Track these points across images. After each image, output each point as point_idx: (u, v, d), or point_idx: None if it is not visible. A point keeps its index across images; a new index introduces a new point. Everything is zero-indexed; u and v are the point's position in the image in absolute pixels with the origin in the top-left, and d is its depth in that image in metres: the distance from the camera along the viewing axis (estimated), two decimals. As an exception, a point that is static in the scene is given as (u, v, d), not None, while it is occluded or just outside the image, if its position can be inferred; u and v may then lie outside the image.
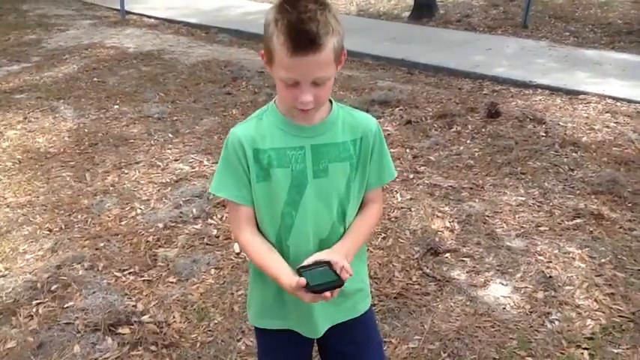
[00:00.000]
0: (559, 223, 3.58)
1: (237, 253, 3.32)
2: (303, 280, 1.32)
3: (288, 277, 1.38)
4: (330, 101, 1.50)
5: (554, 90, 6.27)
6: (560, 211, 3.73)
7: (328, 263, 1.37)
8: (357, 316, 1.64)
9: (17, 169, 4.50)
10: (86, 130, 5.26)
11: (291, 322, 1.60)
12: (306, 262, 1.38)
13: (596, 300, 2.89)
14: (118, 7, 11.05)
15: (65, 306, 2.88)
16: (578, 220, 3.61)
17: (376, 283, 3.03)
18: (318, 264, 1.37)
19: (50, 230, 3.60)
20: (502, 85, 6.62)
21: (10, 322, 2.79)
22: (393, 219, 3.64)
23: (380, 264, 3.20)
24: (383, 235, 3.48)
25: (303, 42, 1.26)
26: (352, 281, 1.59)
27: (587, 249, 3.31)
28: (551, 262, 3.20)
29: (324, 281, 1.33)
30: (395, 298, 2.92)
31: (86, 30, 9.77)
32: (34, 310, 2.86)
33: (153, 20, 10.83)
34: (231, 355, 2.58)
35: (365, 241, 1.63)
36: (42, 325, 2.76)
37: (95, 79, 6.88)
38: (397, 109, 5.61)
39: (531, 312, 2.82)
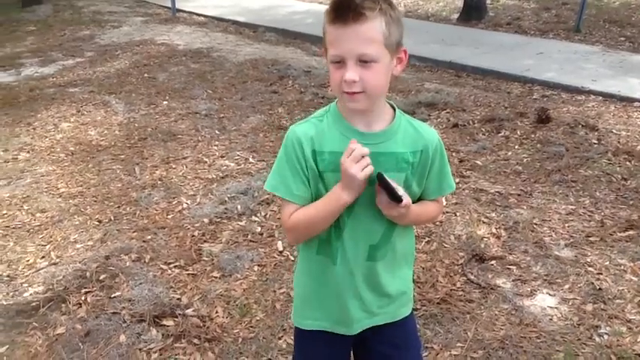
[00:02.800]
0: (610, 234, 3.47)
1: (280, 252, 3.33)
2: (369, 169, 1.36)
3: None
4: (394, 109, 1.49)
5: (607, 96, 6.08)
6: (611, 221, 3.61)
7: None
8: (398, 320, 1.64)
9: (70, 160, 4.64)
10: (136, 125, 5.39)
11: (329, 321, 1.59)
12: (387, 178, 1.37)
13: (648, 315, 2.79)
14: (169, 5, 11.30)
15: (112, 296, 2.96)
16: (631, 232, 3.49)
17: (419, 287, 2.99)
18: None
19: (100, 221, 3.70)
20: (553, 90, 6.46)
21: (60, 308, 2.88)
22: (437, 223, 3.59)
23: (423, 268, 3.16)
24: (427, 239, 3.44)
25: (344, 8, 1.29)
26: (397, 284, 1.60)
27: (639, 262, 3.19)
28: (601, 273, 3.10)
29: (393, 185, 1.35)
30: (438, 303, 2.88)
31: (138, 27, 10.02)
32: (83, 298, 2.95)
33: (202, 18, 11.02)
34: (272, 353, 2.59)
35: (422, 218, 1.61)
36: (90, 313, 2.83)
37: (146, 74, 7.04)
38: (444, 112, 5.54)
39: (579, 324, 2.74)
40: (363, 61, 1.32)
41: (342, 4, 1.29)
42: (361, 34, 1.30)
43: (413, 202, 1.52)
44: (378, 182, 1.36)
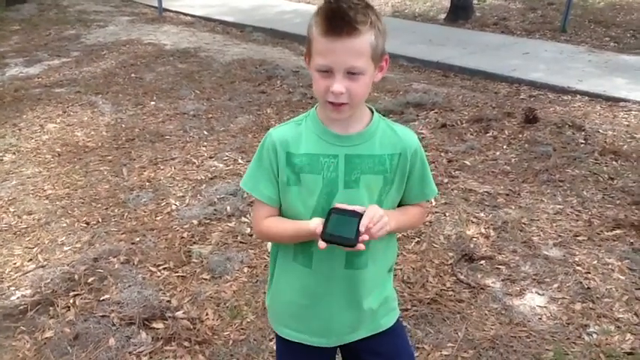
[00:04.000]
0: (598, 234, 3.50)
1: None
2: (319, 229, 1.34)
3: (312, 222, 1.40)
4: (372, 112, 1.50)
5: (593, 96, 6.13)
6: (599, 220, 3.64)
7: (360, 217, 1.34)
8: (384, 330, 1.62)
9: (56, 162, 4.60)
10: (123, 126, 5.35)
11: (307, 333, 1.58)
12: (342, 206, 1.37)
13: (636, 314, 2.81)
14: (156, 5, 11.22)
15: (101, 299, 2.93)
16: (618, 231, 3.52)
17: (409, 287, 3.00)
18: (351, 213, 1.35)
19: (87, 223, 3.67)
20: (539, 90, 6.50)
21: (48, 312, 2.85)
22: (427, 223, 3.60)
23: (414, 268, 3.17)
24: (417, 239, 3.44)
25: (338, 21, 1.29)
26: (378, 295, 1.58)
27: (627, 261, 3.22)
28: (589, 272, 3.13)
29: (340, 234, 1.32)
30: (428, 303, 2.89)
31: (124, 26, 9.93)
32: (71, 301, 2.92)
33: (189, 18, 10.96)
34: (263, 354, 2.58)
35: (406, 225, 1.60)
36: (78, 316, 2.81)
37: (133, 75, 6.99)
38: (432, 112, 5.56)
39: (568, 323, 2.76)
40: (351, 73, 1.33)
41: (335, 16, 1.29)
42: (352, 48, 1.31)
43: (394, 208, 1.53)
44: (324, 240, 1.33)
